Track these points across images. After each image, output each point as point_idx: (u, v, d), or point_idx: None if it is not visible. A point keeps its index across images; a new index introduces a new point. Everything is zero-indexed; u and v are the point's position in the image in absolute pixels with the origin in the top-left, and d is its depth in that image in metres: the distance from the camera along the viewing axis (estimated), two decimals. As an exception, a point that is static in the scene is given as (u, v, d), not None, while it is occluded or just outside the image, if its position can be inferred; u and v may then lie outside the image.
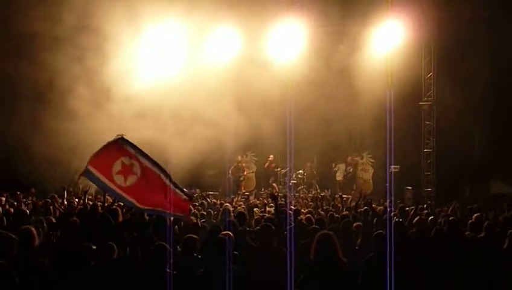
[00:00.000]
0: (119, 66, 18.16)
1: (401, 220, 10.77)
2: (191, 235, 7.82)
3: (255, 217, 10.84)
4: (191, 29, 19.30)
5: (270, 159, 21.97)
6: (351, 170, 22.29)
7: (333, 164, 22.63)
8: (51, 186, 14.69)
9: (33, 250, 6.38)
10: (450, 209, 14.05)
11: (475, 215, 11.06)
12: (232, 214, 10.32)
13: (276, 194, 12.60)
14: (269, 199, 13.76)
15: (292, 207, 12.04)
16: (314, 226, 9.16)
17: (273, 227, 7.59)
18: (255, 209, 12.57)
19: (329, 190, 21.35)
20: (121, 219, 8.91)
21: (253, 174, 22.92)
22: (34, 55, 17.35)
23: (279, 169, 22.17)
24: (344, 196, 18.55)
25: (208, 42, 20.23)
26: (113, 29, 17.66)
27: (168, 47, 19.81)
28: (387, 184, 17.78)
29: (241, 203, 15.32)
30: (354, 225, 9.70)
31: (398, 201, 16.79)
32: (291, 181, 21.17)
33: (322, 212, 11.87)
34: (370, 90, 19.10)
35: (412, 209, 12.67)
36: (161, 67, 19.41)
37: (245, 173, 22.05)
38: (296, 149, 18.89)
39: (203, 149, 18.73)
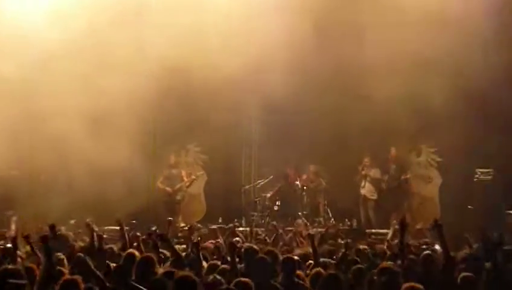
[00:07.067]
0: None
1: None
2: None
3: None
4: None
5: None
6: (394, 173, 16.18)
7: (360, 167, 16.20)
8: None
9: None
10: None
11: None
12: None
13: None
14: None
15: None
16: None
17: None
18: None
19: (355, 219, 15.61)
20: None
21: (201, 187, 16.97)
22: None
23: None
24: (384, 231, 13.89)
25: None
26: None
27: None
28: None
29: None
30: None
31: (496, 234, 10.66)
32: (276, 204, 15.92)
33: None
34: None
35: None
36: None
37: (187, 183, 16.24)
38: (290, 146, 15.77)
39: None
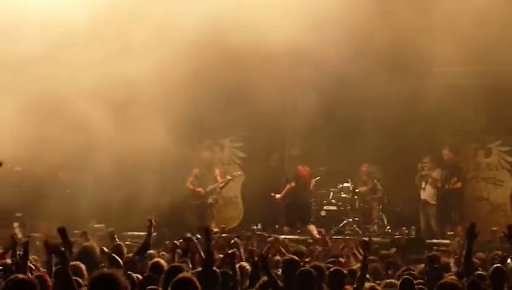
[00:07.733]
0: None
1: None
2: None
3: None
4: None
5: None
6: (445, 180, 14.63)
7: (420, 166, 14.72)
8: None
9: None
10: None
11: None
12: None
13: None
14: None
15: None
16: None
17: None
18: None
19: (414, 227, 14.26)
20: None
21: (238, 189, 15.56)
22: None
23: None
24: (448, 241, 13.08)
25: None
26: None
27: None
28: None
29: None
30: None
31: None
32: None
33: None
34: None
35: None
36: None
37: (221, 185, 14.68)
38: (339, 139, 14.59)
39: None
